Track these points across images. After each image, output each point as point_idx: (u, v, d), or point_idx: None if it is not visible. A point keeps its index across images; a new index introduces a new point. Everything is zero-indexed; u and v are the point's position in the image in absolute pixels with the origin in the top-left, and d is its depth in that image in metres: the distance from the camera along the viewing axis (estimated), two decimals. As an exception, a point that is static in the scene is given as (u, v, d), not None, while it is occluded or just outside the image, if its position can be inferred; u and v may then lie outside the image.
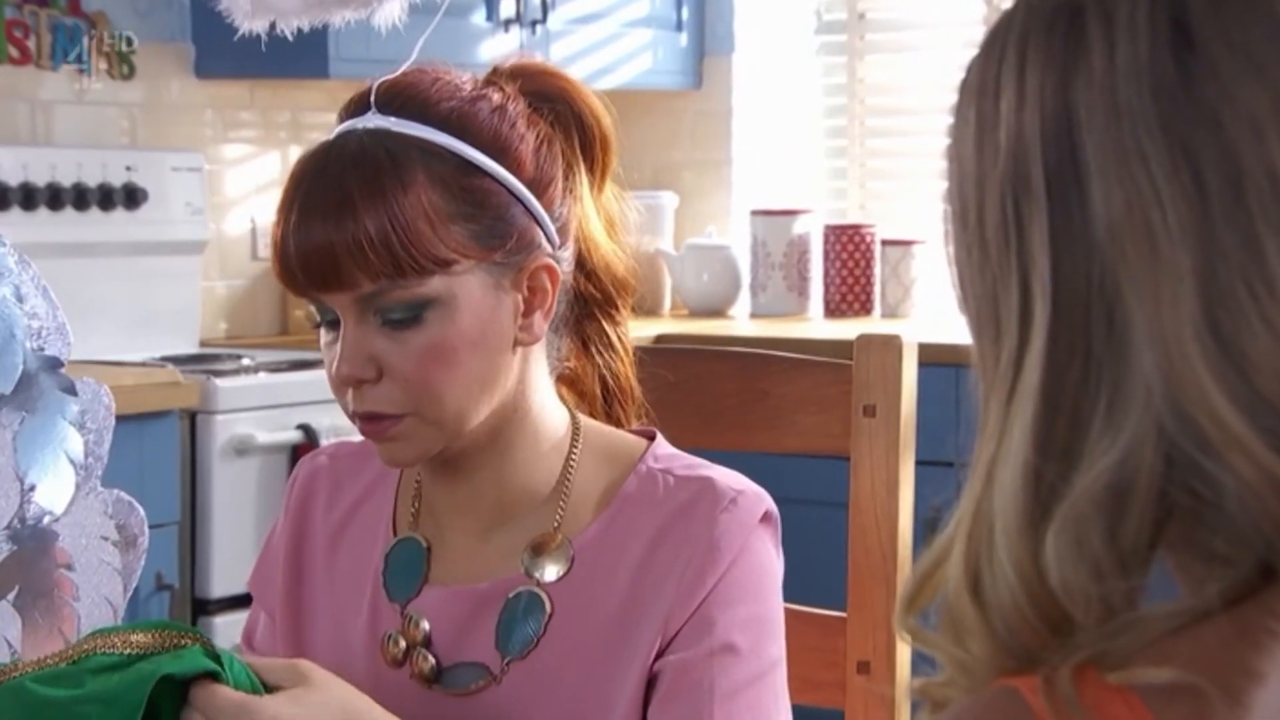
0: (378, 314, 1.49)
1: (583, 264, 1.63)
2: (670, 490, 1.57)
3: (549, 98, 1.60)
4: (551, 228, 1.56)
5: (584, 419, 1.63)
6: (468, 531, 1.60)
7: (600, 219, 1.63)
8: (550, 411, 1.60)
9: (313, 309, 1.54)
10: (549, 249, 1.56)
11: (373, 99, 1.53)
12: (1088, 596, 0.84)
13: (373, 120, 1.52)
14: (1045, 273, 0.87)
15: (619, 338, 1.67)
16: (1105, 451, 0.84)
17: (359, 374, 1.50)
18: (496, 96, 1.56)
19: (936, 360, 2.45)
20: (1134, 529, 0.84)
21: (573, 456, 1.59)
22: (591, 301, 1.64)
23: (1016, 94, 0.88)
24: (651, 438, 1.63)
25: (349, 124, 1.54)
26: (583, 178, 1.61)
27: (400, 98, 1.54)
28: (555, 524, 1.58)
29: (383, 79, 1.55)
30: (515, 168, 1.54)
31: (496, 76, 1.60)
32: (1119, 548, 0.84)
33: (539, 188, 1.55)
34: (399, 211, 1.48)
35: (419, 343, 1.49)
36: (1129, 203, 0.85)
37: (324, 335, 1.53)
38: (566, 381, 1.65)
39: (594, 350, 1.66)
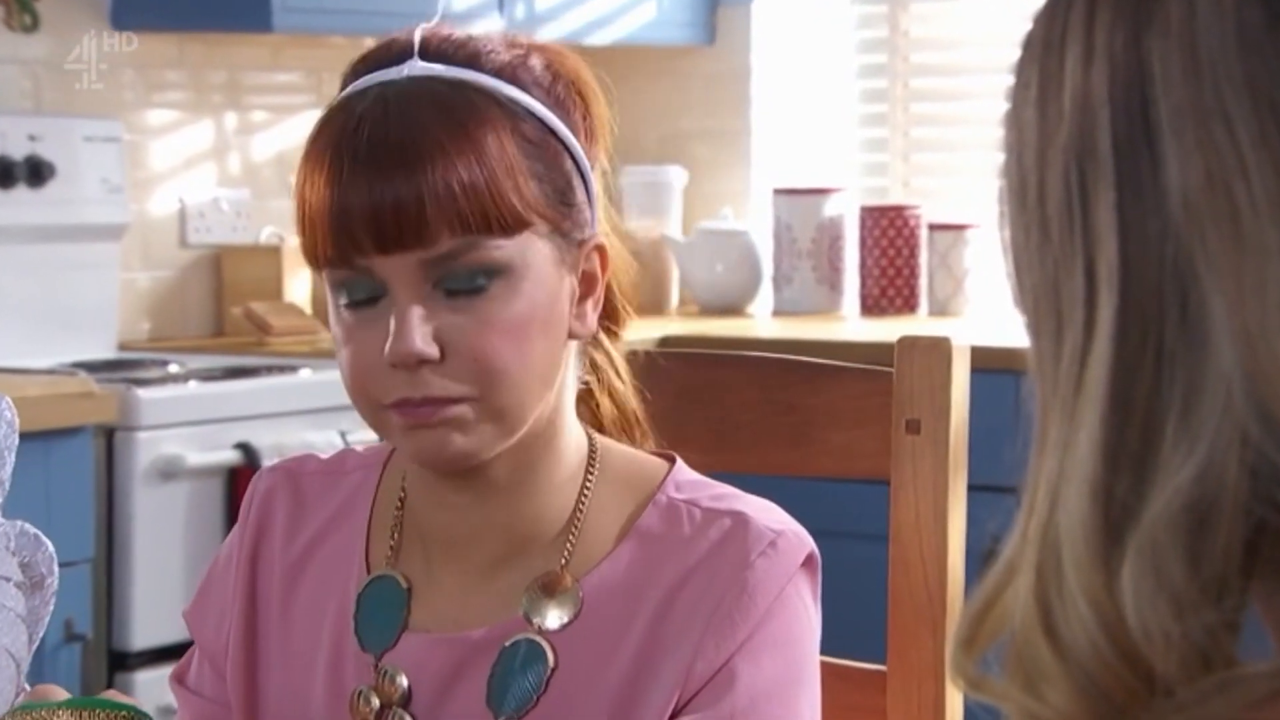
0: (438, 283, 1.51)
1: None
2: (697, 526, 1.58)
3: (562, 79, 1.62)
4: (594, 211, 1.60)
5: (602, 440, 1.64)
6: (461, 571, 1.61)
7: (605, 219, 1.65)
8: (573, 434, 1.62)
9: (340, 288, 1.54)
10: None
11: (416, 45, 1.57)
12: (1168, 636, 0.84)
13: (419, 68, 1.56)
14: (1112, 255, 0.87)
15: (610, 358, 1.68)
16: (1182, 464, 0.85)
17: (425, 351, 1.51)
18: (537, 57, 1.60)
19: (992, 366, 2.45)
20: (1220, 555, 0.84)
21: (587, 485, 1.61)
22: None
23: (1083, 49, 0.89)
24: (671, 460, 1.64)
25: (385, 74, 1.56)
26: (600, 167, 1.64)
27: (447, 44, 1.58)
28: (562, 562, 1.59)
29: (421, 27, 1.58)
30: (574, 132, 1.59)
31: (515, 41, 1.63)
32: (1203, 577, 0.85)
33: (587, 161, 1.60)
34: (488, 157, 1.52)
35: (487, 314, 1.52)
36: (1208, 171, 0.85)
37: (349, 317, 1.54)
38: (581, 400, 1.66)
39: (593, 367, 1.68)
